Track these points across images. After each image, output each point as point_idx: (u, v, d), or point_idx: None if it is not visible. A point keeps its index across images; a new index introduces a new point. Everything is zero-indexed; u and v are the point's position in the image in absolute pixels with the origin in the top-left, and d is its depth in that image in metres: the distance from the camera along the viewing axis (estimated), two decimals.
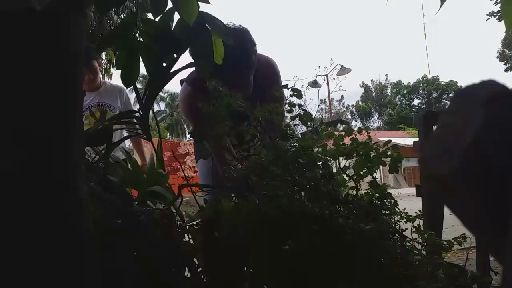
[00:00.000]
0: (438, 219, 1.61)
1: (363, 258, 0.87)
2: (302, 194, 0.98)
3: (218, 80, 1.05)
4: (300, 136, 1.09)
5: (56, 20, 0.67)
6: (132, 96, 3.17)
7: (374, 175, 1.02)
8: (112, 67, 13.33)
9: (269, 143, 1.03)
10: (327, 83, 19.20)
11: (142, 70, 1.15)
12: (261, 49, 1.79)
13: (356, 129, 1.07)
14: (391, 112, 39.03)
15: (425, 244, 0.96)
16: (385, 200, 0.98)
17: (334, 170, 1.04)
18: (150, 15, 1.14)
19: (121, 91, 2.75)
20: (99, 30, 12.11)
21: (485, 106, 0.30)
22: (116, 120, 1.30)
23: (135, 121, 1.19)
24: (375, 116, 43.27)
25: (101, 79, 2.73)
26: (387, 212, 0.97)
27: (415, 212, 1.02)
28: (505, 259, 0.30)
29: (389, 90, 42.51)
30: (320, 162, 1.00)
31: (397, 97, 40.58)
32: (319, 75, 18.36)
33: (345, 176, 1.02)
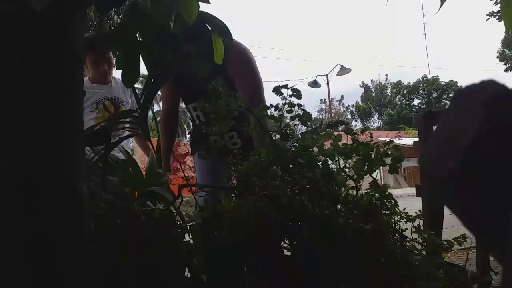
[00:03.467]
0: (438, 219, 1.61)
1: (363, 258, 0.87)
2: (302, 194, 0.98)
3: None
4: (300, 136, 1.09)
5: (57, 20, 0.67)
6: None
7: (374, 175, 1.02)
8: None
9: (269, 143, 1.03)
10: (327, 83, 19.20)
11: (142, 70, 1.15)
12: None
13: (356, 129, 1.07)
14: (391, 112, 39.04)
15: (425, 244, 0.96)
16: (385, 200, 0.98)
17: (335, 170, 1.04)
18: None
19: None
20: (99, 30, 12.09)
21: (485, 106, 0.30)
22: (115, 120, 1.30)
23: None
24: (375, 116, 43.29)
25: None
26: (387, 212, 0.97)
27: (415, 212, 1.02)
28: (505, 259, 0.30)
29: (389, 90, 42.53)
30: (320, 162, 1.00)
31: (397, 97, 40.60)
32: (319, 75, 18.37)
33: (345, 176, 1.02)
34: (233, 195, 1.04)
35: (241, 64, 1.66)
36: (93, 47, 2.20)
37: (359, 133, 1.04)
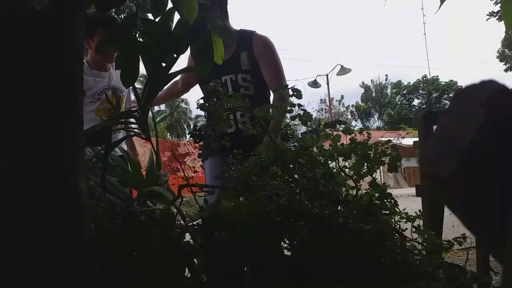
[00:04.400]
0: (438, 219, 1.61)
1: (363, 258, 0.87)
2: (302, 194, 0.98)
3: None
4: (300, 136, 1.09)
5: (57, 20, 0.67)
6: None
7: (374, 175, 1.02)
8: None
9: (268, 143, 1.03)
10: (327, 83, 19.19)
11: (142, 70, 1.15)
12: None
13: (356, 129, 1.07)
14: (391, 112, 39.04)
15: (425, 244, 0.96)
16: (385, 200, 0.98)
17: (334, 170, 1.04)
18: (150, 15, 1.14)
19: None
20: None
21: (485, 106, 0.30)
22: (116, 120, 1.30)
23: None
24: (375, 116, 43.29)
25: None
26: (387, 212, 0.97)
27: (415, 212, 1.02)
28: (505, 259, 0.30)
29: (389, 90, 42.53)
30: (321, 162, 1.00)
31: (397, 97, 40.60)
32: (319, 75, 18.36)
33: (345, 176, 1.02)
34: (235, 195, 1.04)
35: (265, 47, 2.03)
36: (106, 23, 1.96)
37: (356, 133, 1.04)
